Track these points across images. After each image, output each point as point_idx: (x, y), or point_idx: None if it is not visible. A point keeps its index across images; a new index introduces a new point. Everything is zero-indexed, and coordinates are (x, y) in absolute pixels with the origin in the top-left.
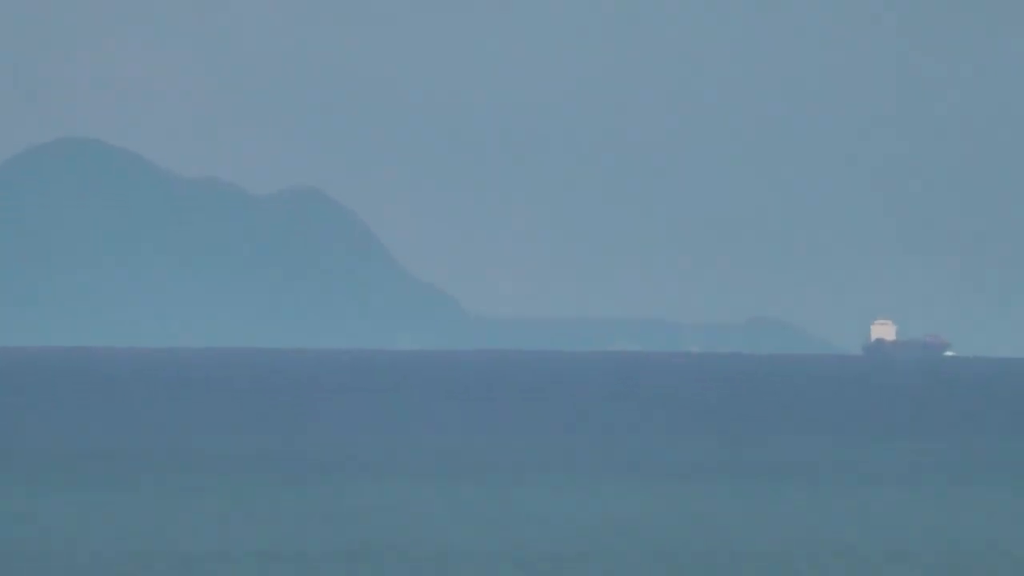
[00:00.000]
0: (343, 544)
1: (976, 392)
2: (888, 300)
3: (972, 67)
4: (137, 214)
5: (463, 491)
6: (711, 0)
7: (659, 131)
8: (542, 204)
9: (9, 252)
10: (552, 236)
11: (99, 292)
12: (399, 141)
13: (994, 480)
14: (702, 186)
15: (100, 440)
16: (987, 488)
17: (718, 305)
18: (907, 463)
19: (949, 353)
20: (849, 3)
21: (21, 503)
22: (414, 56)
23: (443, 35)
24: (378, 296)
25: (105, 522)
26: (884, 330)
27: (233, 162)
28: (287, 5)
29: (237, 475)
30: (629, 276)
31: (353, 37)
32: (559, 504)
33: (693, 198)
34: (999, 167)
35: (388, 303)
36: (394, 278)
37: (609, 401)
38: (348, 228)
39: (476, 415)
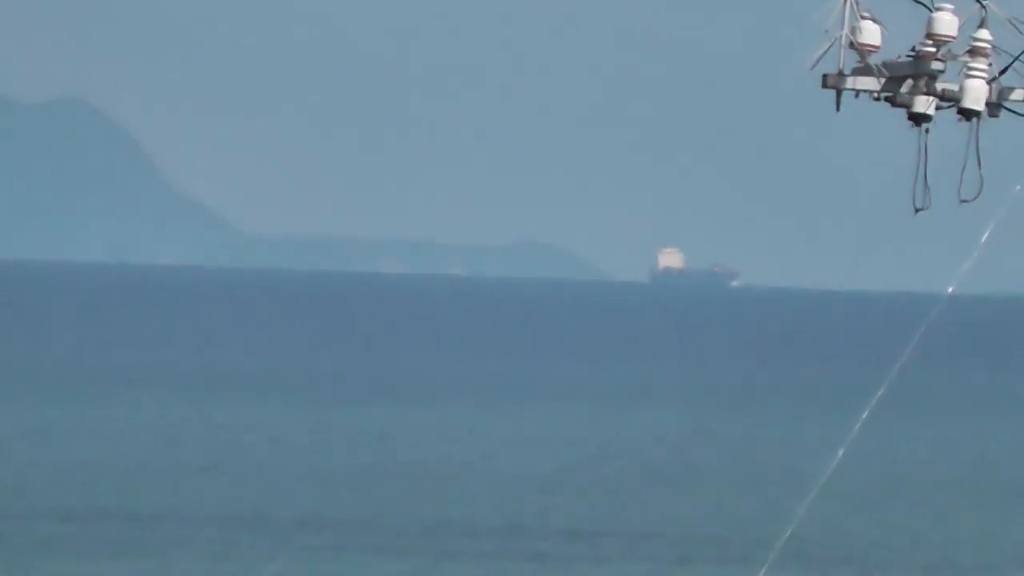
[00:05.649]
0: None
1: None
2: (671, 228)
3: None
4: None
5: None
6: None
7: (442, 56)
8: (313, 122)
9: None
10: (320, 153)
11: None
12: (174, 55)
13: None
14: (472, 110)
15: None
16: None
17: (482, 227)
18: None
19: (735, 283)
20: None
21: None
22: None
23: None
24: (139, 209)
25: None
26: (671, 258)
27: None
28: None
29: None
30: (396, 195)
31: None
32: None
33: (463, 121)
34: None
35: (150, 217)
36: (157, 192)
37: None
38: (112, 140)
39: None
